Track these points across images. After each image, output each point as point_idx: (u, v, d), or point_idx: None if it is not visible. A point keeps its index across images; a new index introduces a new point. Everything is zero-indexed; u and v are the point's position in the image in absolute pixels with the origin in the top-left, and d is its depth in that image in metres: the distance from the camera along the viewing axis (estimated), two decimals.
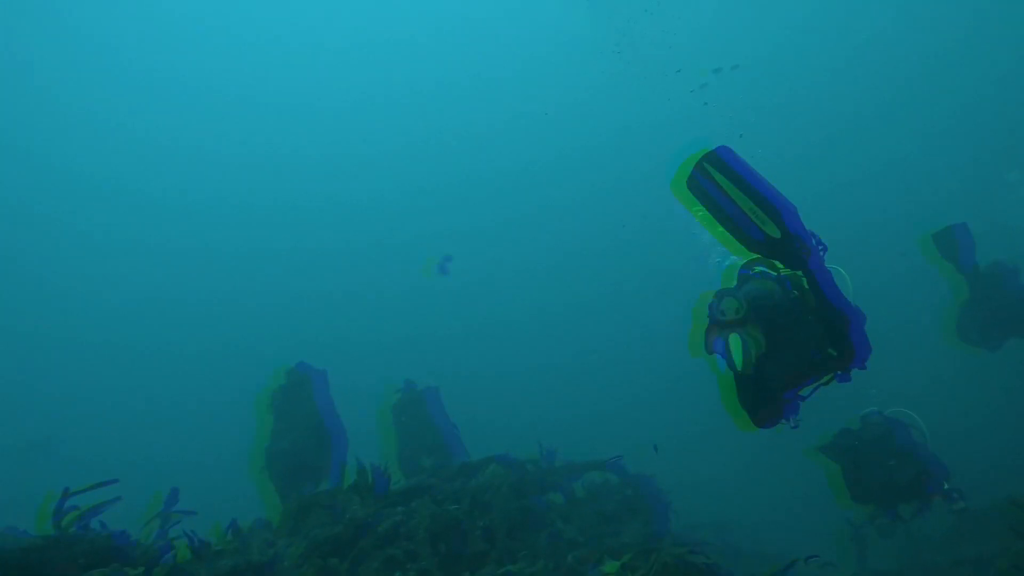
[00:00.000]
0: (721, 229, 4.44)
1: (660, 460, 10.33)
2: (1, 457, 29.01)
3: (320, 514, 6.95)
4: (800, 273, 4.61)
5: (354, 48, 44.88)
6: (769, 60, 37.94)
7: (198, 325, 42.57)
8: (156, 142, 43.43)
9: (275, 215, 45.79)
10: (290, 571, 6.19)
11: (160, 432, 33.69)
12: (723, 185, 4.20)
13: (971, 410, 16.73)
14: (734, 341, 4.44)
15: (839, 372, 4.77)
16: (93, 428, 34.42)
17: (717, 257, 5.57)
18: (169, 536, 7.62)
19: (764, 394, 4.68)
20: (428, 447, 10.42)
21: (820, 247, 4.63)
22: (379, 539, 6.24)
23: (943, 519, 9.86)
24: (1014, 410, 15.04)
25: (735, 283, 4.84)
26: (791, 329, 4.72)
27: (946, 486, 7.70)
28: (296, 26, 43.60)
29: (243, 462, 11.25)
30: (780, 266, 4.77)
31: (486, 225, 45.88)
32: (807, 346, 4.70)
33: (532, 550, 7.28)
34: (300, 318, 39.57)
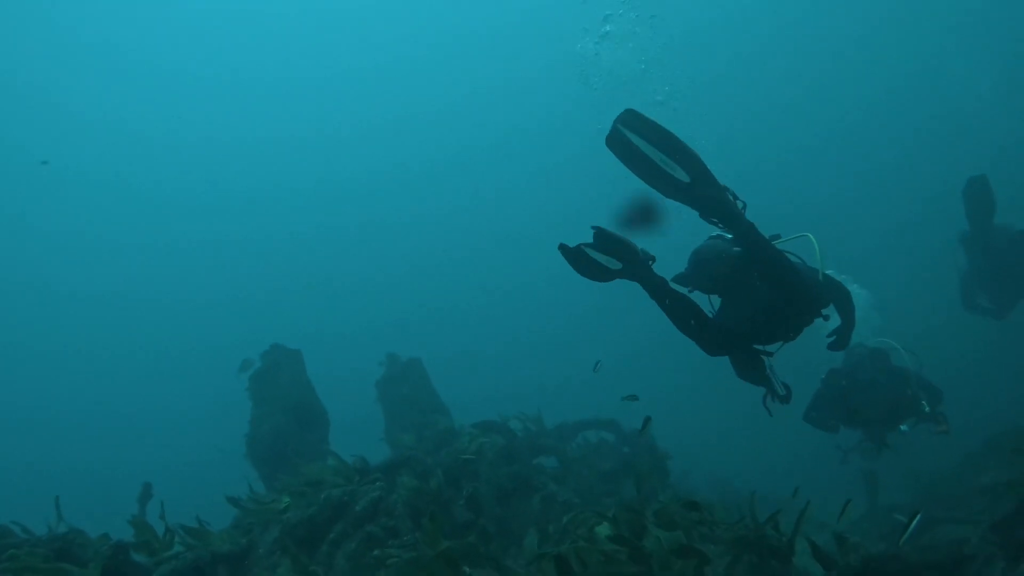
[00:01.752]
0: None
1: (657, 420, 9.97)
2: None
3: (298, 497, 6.54)
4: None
5: (328, 32, 44.13)
6: None
7: (171, 320, 42.01)
8: (109, 132, 42.33)
9: (238, 206, 45.06)
10: (264, 558, 5.79)
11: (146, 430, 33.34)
12: (635, 141, 4.44)
13: (963, 353, 16.55)
14: None
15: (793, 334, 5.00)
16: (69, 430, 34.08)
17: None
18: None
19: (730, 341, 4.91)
20: (413, 422, 9.99)
21: (739, 202, 4.77)
22: (357, 518, 5.83)
23: (950, 451, 9.68)
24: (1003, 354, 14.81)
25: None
26: (740, 284, 5.02)
27: (927, 408, 7.68)
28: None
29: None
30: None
31: (463, 207, 45.46)
32: (758, 301, 4.91)
33: (524, 515, 6.95)
34: (276, 306, 39.16)
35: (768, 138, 37.09)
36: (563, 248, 4.71)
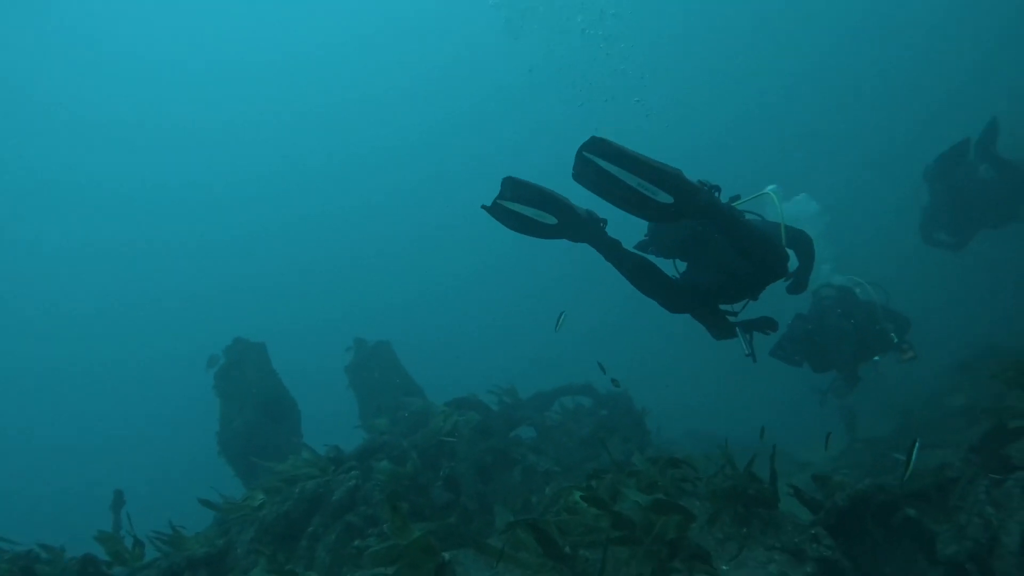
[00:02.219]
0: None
1: (634, 380, 9.99)
2: None
3: (273, 494, 6.39)
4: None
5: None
6: None
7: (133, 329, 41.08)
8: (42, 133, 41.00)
9: (188, 205, 44.09)
10: (243, 559, 5.65)
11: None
12: (607, 168, 4.09)
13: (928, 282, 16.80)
14: None
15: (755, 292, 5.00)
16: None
17: None
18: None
19: (695, 301, 4.88)
20: (386, 405, 9.84)
21: (714, 190, 4.52)
22: (335, 509, 5.70)
23: (922, 377, 9.88)
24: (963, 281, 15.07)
25: None
26: (704, 248, 5.03)
27: (895, 339, 7.85)
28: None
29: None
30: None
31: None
32: (723, 264, 4.88)
33: (506, 489, 6.88)
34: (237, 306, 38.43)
35: (733, 76, 36.83)
36: (485, 208, 4.57)
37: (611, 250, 4.65)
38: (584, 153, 4.08)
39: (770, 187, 5.80)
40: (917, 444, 3.69)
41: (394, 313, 36.32)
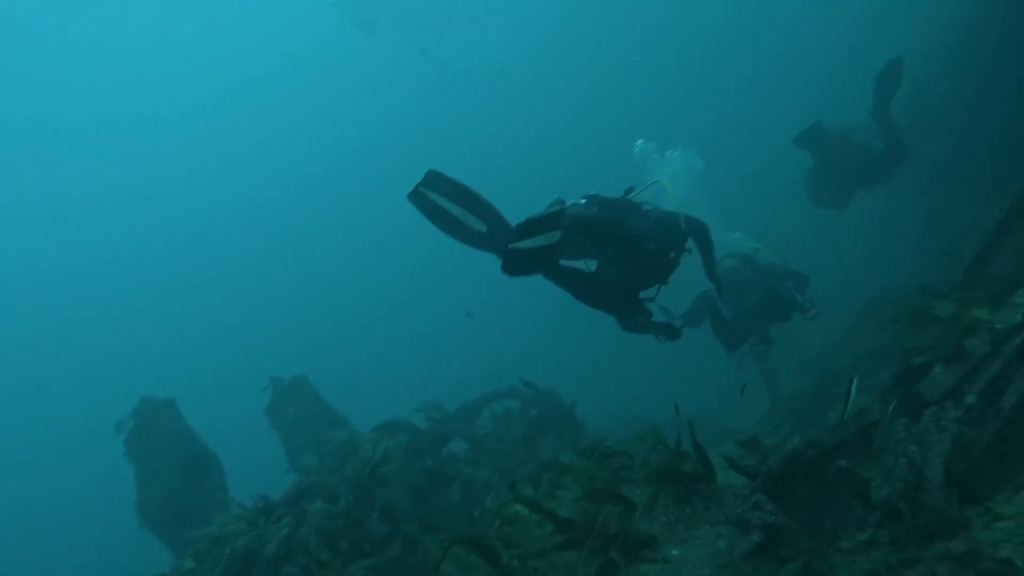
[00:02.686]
0: None
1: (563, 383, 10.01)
2: None
3: (202, 559, 6.01)
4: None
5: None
6: None
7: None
8: None
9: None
10: None
11: None
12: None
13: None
14: None
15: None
16: None
17: None
18: None
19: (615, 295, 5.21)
20: (310, 441, 9.47)
21: (559, 204, 4.75)
22: (271, 562, 5.41)
23: (831, 329, 10.26)
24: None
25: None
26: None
27: (799, 299, 8.13)
28: None
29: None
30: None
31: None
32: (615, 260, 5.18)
33: (446, 507, 6.72)
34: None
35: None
36: (409, 197, 4.65)
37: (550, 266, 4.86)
38: (513, 246, 4.33)
39: (639, 142, 6.05)
40: (856, 382, 3.75)
41: (311, 350, 35.05)
